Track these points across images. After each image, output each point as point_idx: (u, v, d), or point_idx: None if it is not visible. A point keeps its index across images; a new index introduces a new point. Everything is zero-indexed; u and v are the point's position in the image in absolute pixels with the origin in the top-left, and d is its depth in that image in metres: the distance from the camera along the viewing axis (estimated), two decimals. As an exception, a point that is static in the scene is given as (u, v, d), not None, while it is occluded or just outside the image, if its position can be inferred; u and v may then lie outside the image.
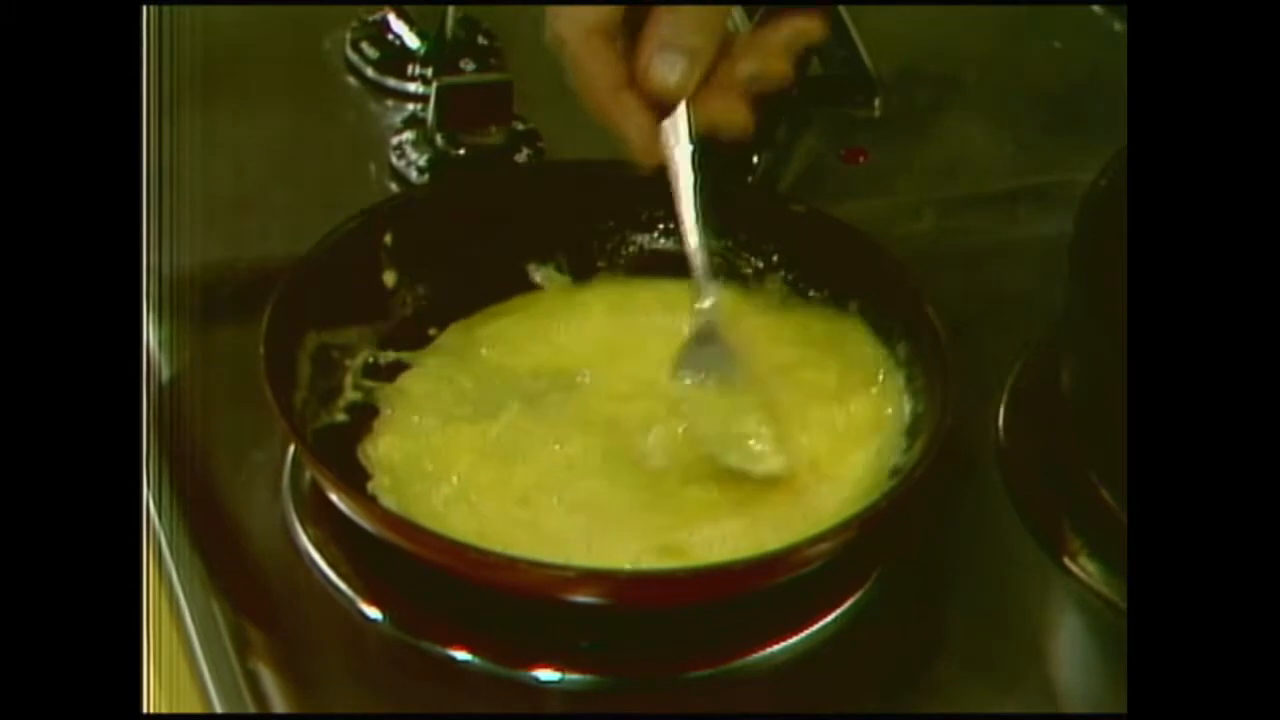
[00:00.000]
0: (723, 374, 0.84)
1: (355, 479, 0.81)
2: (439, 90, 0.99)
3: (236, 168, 0.99)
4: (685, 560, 0.78)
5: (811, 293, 0.91)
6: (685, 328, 0.87)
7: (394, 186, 0.99)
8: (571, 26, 0.81)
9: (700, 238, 0.84)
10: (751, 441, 0.82)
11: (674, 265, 0.92)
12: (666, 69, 0.80)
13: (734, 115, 0.83)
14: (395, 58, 1.07)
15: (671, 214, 0.92)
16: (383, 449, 0.83)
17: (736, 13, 1.08)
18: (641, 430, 0.83)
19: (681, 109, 0.83)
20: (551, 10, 0.83)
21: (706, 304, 0.85)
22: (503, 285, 0.91)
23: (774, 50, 0.84)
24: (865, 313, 0.89)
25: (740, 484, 0.81)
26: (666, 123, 0.83)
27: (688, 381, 0.84)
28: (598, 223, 0.93)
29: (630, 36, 0.82)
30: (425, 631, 0.78)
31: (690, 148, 0.83)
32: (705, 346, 0.84)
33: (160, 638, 0.80)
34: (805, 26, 0.85)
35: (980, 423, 0.89)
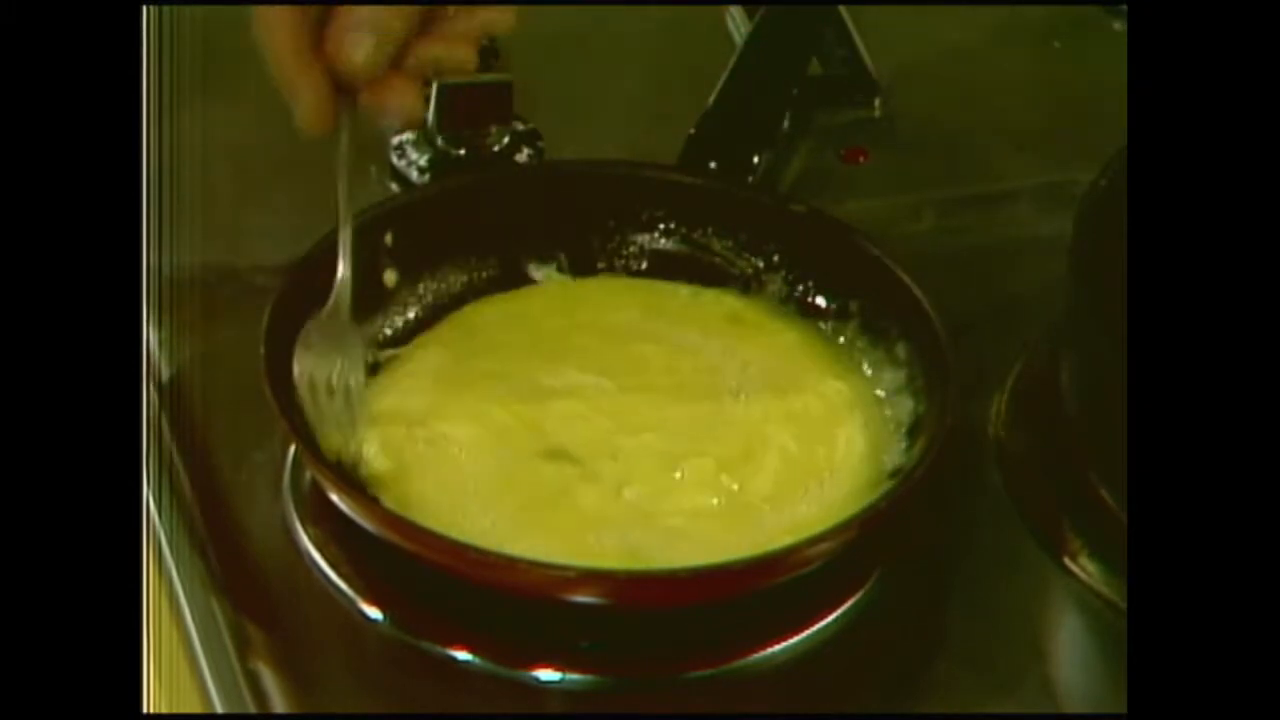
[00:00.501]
0: (344, 351, 0.83)
1: (355, 479, 0.81)
2: (439, 90, 0.99)
3: (236, 168, 0.99)
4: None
5: (811, 293, 0.91)
6: (677, 329, 0.87)
7: (394, 186, 0.99)
8: None
9: (347, 214, 0.83)
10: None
11: (674, 265, 0.93)
12: (355, 48, 0.79)
13: (405, 101, 0.82)
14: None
15: (672, 214, 0.93)
16: (378, 448, 0.83)
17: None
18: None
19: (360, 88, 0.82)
20: None
21: (340, 276, 0.83)
22: (503, 285, 0.91)
23: (458, 38, 0.83)
24: (865, 313, 0.89)
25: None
26: (344, 100, 0.81)
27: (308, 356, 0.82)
28: (598, 223, 0.93)
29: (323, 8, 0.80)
30: (425, 631, 0.78)
31: (348, 133, 0.82)
32: (331, 321, 0.83)
33: (160, 637, 0.80)
34: (493, 18, 0.84)
35: (980, 423, 0.89)
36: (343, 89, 0.80)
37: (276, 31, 0.80)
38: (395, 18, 0.80)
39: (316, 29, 0.80)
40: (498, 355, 0.87)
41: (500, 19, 0.84)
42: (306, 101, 0.80)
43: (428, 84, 0.91)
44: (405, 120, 0.84)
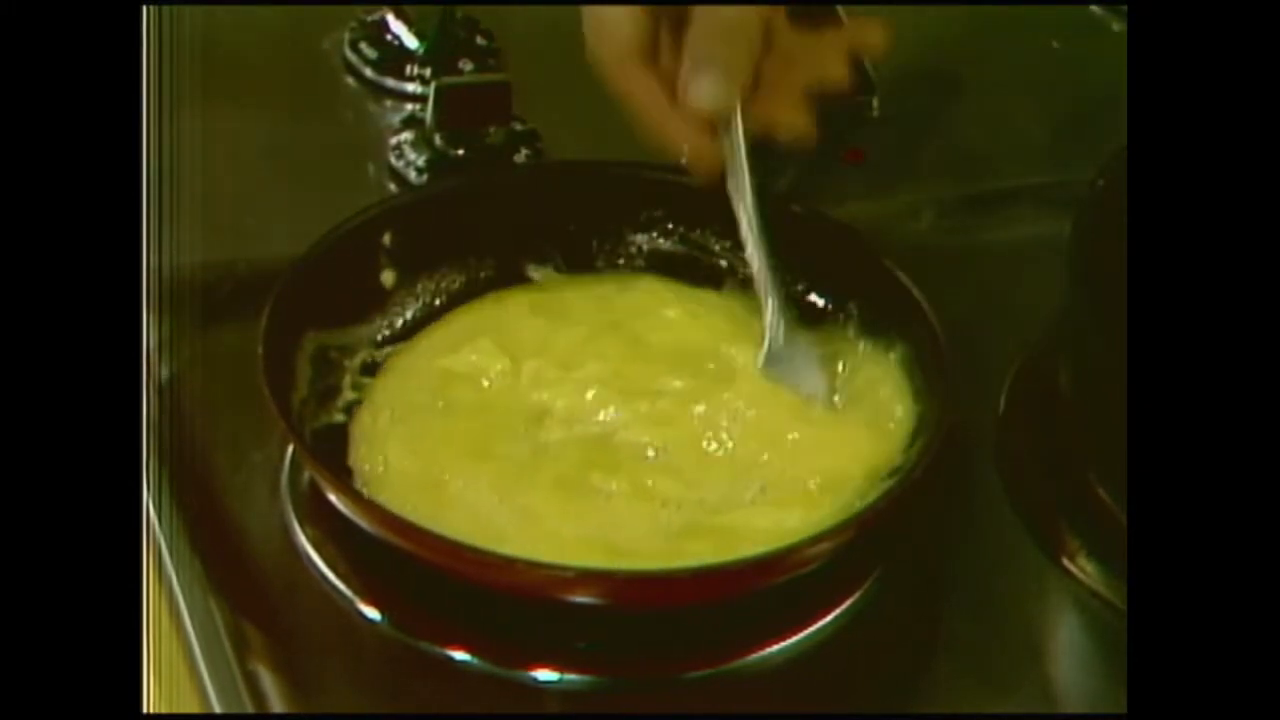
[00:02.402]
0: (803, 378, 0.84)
1: (352, 479, 0.81)
2: (438, 90, 0.99)
3: (236, 168, 0.99)
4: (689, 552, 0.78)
5: (810, 293, 0.91)
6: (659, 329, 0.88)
7: (393, 187, 0.99)
8: (607, 52, 0.80)
9: (763, 250, 0.83)
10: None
11: (674, 265, 0.93)
12: (702, 88, 0.79)
13: (792, 119, 0.82)
14: (394, 58, 1.07)
15: (671, 213, 0.93)
16: (377, 448, 0.83)
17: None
18: (627, 430, 0.84)
19: (736, 121, 0.81)
20: (589, 34, 0.82)
21: (770, 312, 0.84)
22: (502, 286, 0.91)
23: (832, 56, 0.82)
24: (864, 313, 0.89)
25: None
26: (723, 136, 0.81)
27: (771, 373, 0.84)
28: (597, 223, 0.93)
29: (671, 48, 0.80)
30: (424, 632, 0.78)
31: (745, 158, 0.82)
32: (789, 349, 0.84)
33: (160, 638, 0.80)
34: (863, 34, 0.83)
35: (980, 423, 0.89)
36: (713, 126, 0.80)
37: (634, 97, 0.80)
38: (733, 48, 0.79)
39: (669, 77, 0.79)
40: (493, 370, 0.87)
41: (871, 34, 0.83)
42: (690, 151, 0.80)
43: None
44: (796, 138, 0.82)
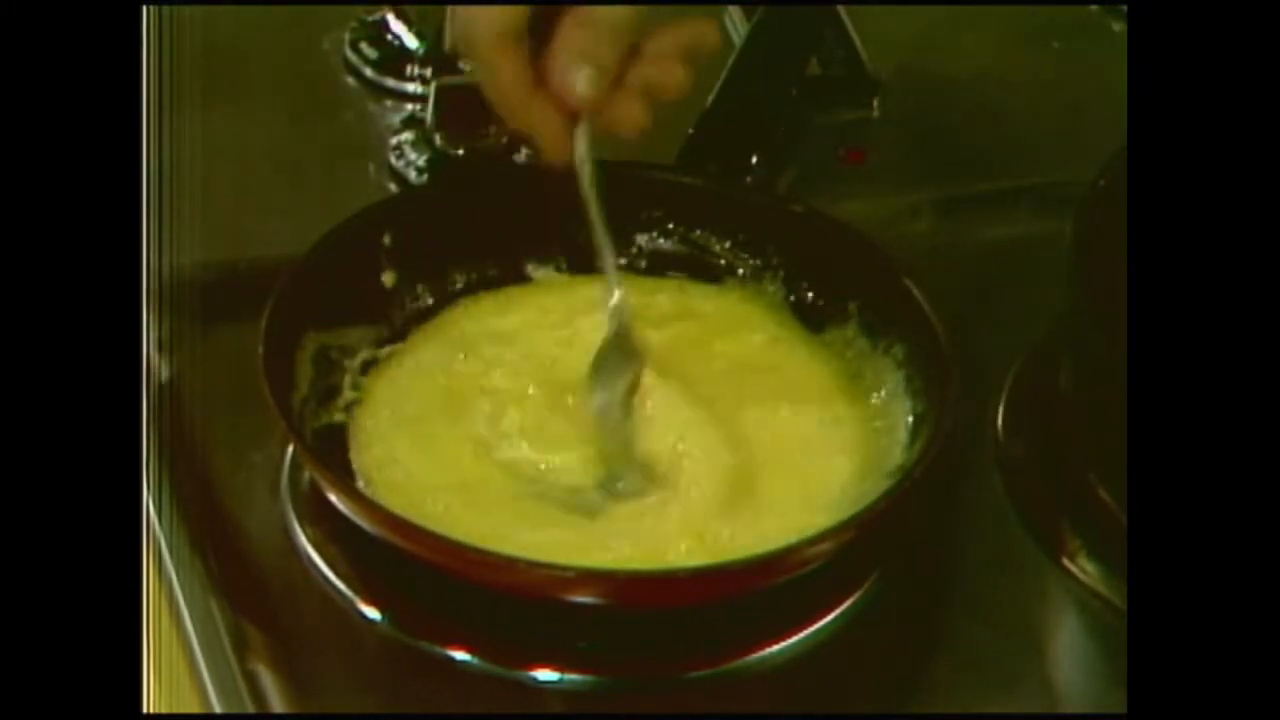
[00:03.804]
0: (629, 381, 0.84)
1: (353, 479, 0.81)
2: (438, 90, 0.99)
3: (236, 168, 0.99)
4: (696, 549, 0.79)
5: (810, 293, 0.91)
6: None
7: (393, 186, 0.99)
8: (480, 29, 0.82)
9: (606, 234, 0.84)
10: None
11: (672, 265, 0.93)
12: (578, 82, 0.81)
13: (632, 116, 0.84)
14: (394, 58, 1.07)
15: (670, 214, 0.93)
16: (377, 448, 0.83)
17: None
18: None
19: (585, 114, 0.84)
20: (460, 12, 0.84)
21: (615, 301, 0.84)
22: (501, 285, 0.91)
23: (670, 56, 0.84)
24: (864, 313, 0.89)
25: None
26: (577, 127, 0.83)
27: (598, 401, 0.83)
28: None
29: (535, 37, 0.82)
30: (424, 631, 0.78)
31: (588, 160, 0.84)
32: (616, 352, 0.84)
33: (160, 638, 0.80)
34: (699, 33, 0.85)
35: (980, 423, 0.89)
36: (572, 115, 0.83)
37: (501, 75, 0.83)
38: (607, 46, 0.82)
39: (535, 66, 0.82)
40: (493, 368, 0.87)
41: (708, 35, 0.86)
42: (546, 135, 0.83)
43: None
44: (635, 132, 0.85)
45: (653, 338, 0.87)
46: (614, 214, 0.91)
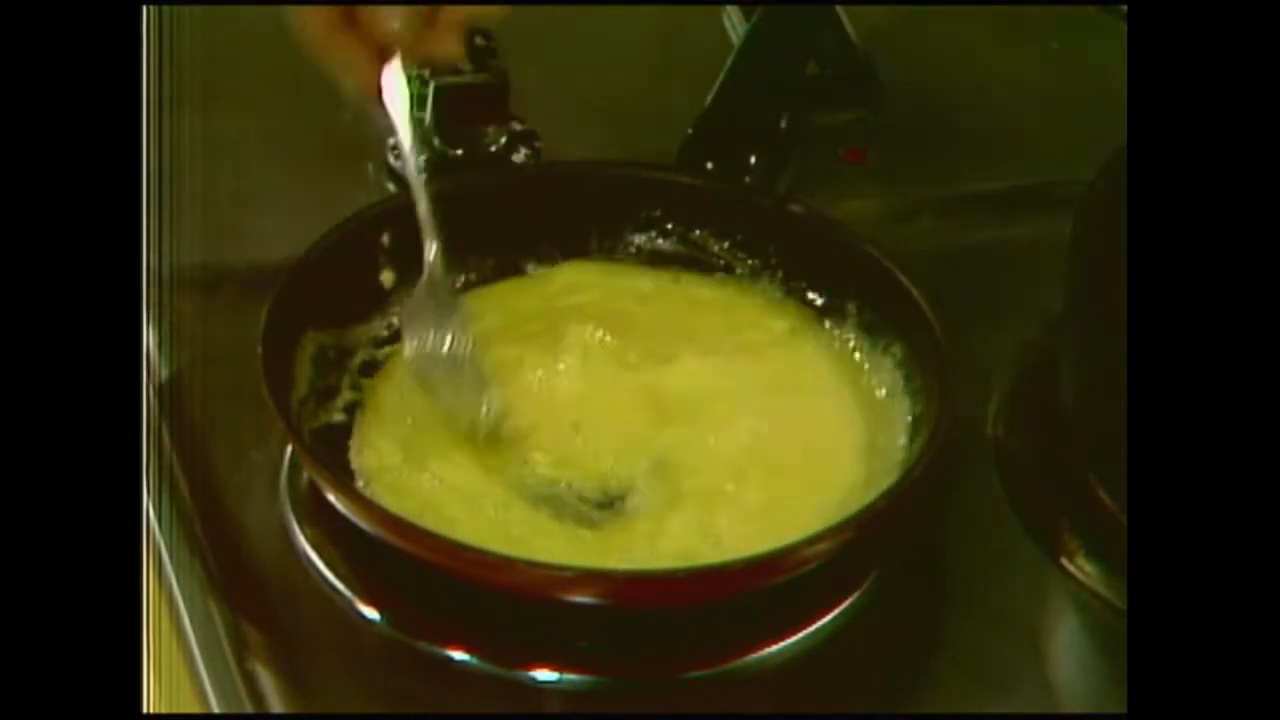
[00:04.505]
0: (444, 330, 0.84)
1: (352, 479, 0.81)
2: (436, 90, 0.99)
3: (236, 168, 0.99)
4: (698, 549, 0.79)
5: (809, 293, 0.91)
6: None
7: (391, 187, 0.99)
8: None
9: (419, 182, 0.85)
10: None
11: (672, 265, 0.93)
12: (392, 16, 0.82)
13: (449, 49, 0.84)
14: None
15: (669, 214, 0.93)
16: (376, 448, 0.83)
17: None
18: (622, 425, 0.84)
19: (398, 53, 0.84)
20: None
21: (431, 254, 0.85)
22: (500, 284, 0.91)
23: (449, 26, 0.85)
24: (863, 312, 0.89)
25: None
26: (387, 65, 0.84)
27: (413, 346, 0.84)
28: (595, 223, 0.93)
29: None
30: (423, 631, 0.78)
31: (405, 92, 0.84)
32: (429, 300, 0.85)
33: (160, 638, 0.80)
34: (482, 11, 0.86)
35: (979, 423, 0.89)
36: (380, 54, 0.83)
37: (308, 16, 0.83)
38: None
39: (345, 9, 0.82)
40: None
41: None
42: (354, 72, 0.83)
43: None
44: (452, 64, 0.86)
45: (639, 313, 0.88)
46: (613, 213, 0.91)
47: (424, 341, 0.84)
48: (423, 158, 0.86)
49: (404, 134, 0.84)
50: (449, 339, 0.84)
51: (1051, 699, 0.79)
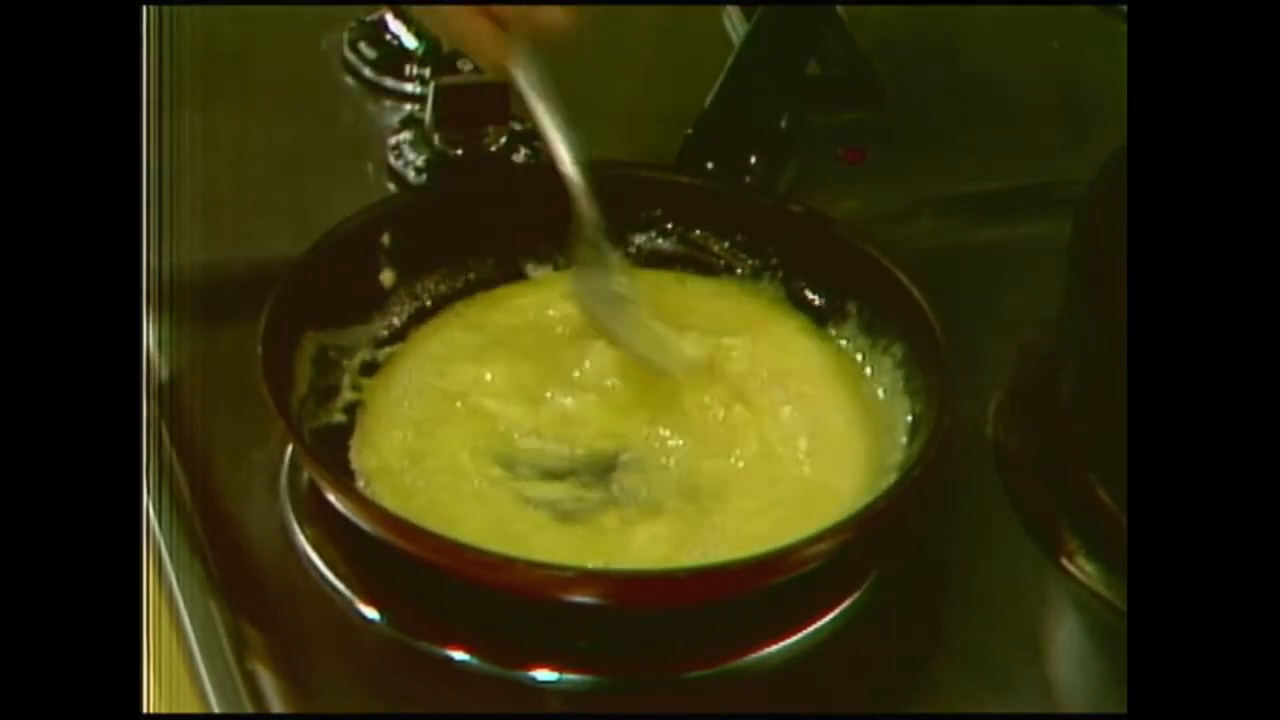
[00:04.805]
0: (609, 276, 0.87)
1: (352, 479, 0.81)
2: (436, 90, 0.99)
3: (236, 168, 0.99)
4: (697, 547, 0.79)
5: (809, 293, 0.91)
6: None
7: (392, 186, 0.99)
8: None
9: (558, 139, 0.87)
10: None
11: (672, 265, 0.93)
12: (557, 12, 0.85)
13: (553, 19, 0.86)
14: (393, 58, 1.07)
15: (670, 214, 0.93)
16: (376, 448, 0.83)
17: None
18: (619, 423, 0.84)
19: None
20: None
21: (587, 209, 0.87)
22: (500, 285, 0.91)
23: None
24: (863, 313, 0.89)
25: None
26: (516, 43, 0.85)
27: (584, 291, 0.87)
28: (596, 222, 0.93)
29: None
30: (423, 631, 0.78)
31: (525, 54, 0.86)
32: (591, 249, 0.87)
33: (160, 638, 0.80)
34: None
35: (979, 423, 0.89)
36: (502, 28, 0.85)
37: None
38: None
39: None
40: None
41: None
42: (486, 43, 0.85)
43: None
44: (563, 33, 0.87)
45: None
46: (613, 214, 0.91)
47: (592, 286, 0.87)
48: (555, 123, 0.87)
49: (534, 103, 0.86)
50: (614, 283, 0.87)
51: (1051, 699, 0.79)
